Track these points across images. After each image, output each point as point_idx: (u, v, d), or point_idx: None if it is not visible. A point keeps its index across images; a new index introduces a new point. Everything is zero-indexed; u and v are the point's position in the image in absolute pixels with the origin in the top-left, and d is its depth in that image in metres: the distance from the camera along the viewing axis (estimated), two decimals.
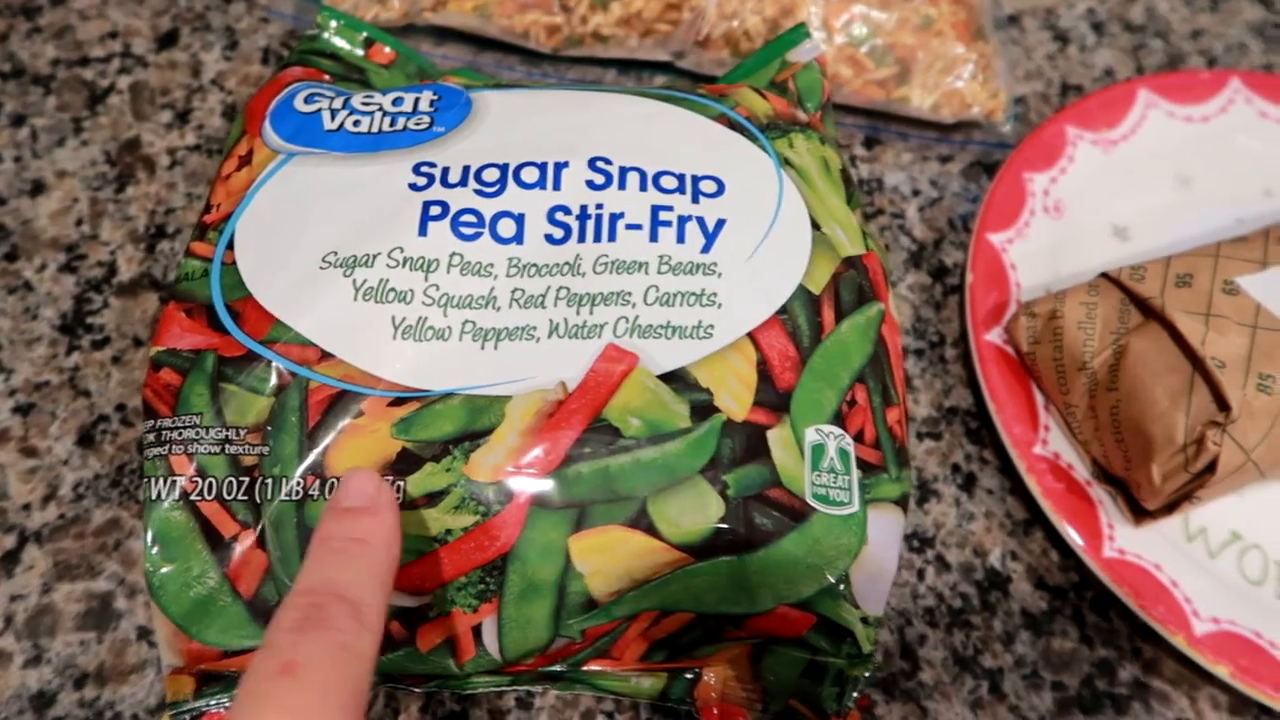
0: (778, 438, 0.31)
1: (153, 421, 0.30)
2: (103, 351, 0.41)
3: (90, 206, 0.45)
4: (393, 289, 0.31)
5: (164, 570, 0.29)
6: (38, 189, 0.45)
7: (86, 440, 0.39)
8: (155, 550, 0.29)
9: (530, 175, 0.34)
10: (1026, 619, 0.39)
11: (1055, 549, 0.41)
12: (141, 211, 0.45)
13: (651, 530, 0.30)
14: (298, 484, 0.30)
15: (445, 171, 0.33)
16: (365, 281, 0.31)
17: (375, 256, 0.32)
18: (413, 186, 0.33)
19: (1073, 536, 0.38)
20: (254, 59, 0.50)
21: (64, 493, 0.38)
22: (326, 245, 0.32)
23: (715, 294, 0.32)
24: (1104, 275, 0.40)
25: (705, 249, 0.33)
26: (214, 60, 0.49)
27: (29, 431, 0.39)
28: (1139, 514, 0.38)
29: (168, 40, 0.50)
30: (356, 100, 0.36)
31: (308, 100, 0.36)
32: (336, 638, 0.23)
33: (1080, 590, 0.40)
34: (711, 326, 0.32)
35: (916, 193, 0.49)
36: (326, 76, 0.39)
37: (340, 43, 0.41)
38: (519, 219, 0.33)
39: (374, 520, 0.26)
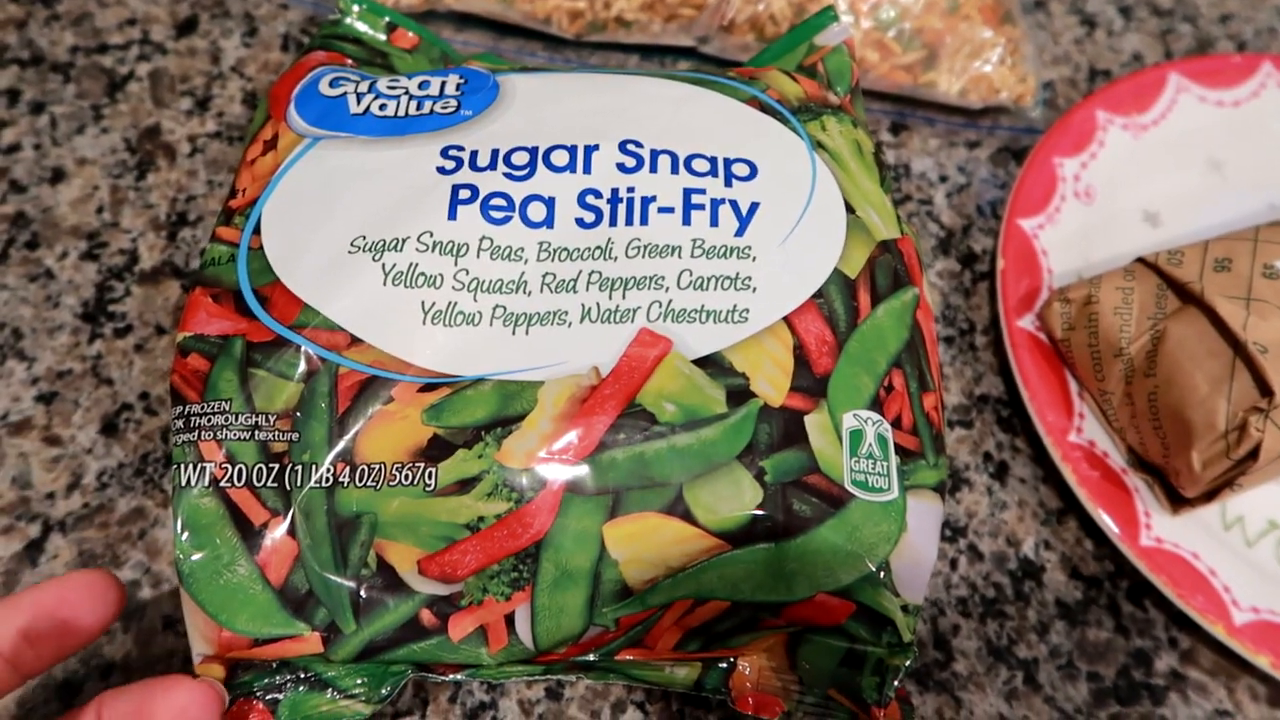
0: (815, 423, 0.30)
1: (181, 407, 0.30)
2: (125, 340, 0.41)
3: (111, 194, 0.44)
4: (422, 273, 0.31)
5: (194, 558, 0.29)
6: (58, 176, 0.44)
7: (110, 429, 0.39)
8: (185, 537, 0.29)
9: (560, 158, 0.33)
10: (1061, 609, 0.39)
11: (1089, 538, 0.40)
12: (162, 199, 0.44)
13: (688, 517, 0.29)
14: (328, 470, 0.29)
15: (474, 155, 0.33)
16: (395, 266, 0.31)
17: (404, 240, 0.31)
18: (441, 170, 0.33)
19: (1109, 525, 0.37)
20: (274, 46, 0.49)
21: (88, 481, 0.38)
22: (355, 229, 0.32)
23: (750, 278, 0.32)
24: (1140, 260, 0.39)
25: (739, 233, 0.32)
26: (233, 47, 0.49)
27: (52, 420, 0.39)
28: (1177, 502, 0.38)
29: (187, 27, 0.49)
30: (382, 84, 0.36)
31: (333, 84, 0.36)
32: None
33: (1115, 579, 0.39)
34: (746, 311, 0.31)
35: (944, 179, 0.48)
36: (349, 61, 0.39)
37: (363, 27, 0.41)
38: (549, 202, 0.33)
39: None
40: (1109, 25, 0.54)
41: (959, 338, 0.44)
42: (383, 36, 0.41)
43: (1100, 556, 0.40)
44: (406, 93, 0.36)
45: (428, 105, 0.35)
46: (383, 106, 0.35)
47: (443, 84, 0.36)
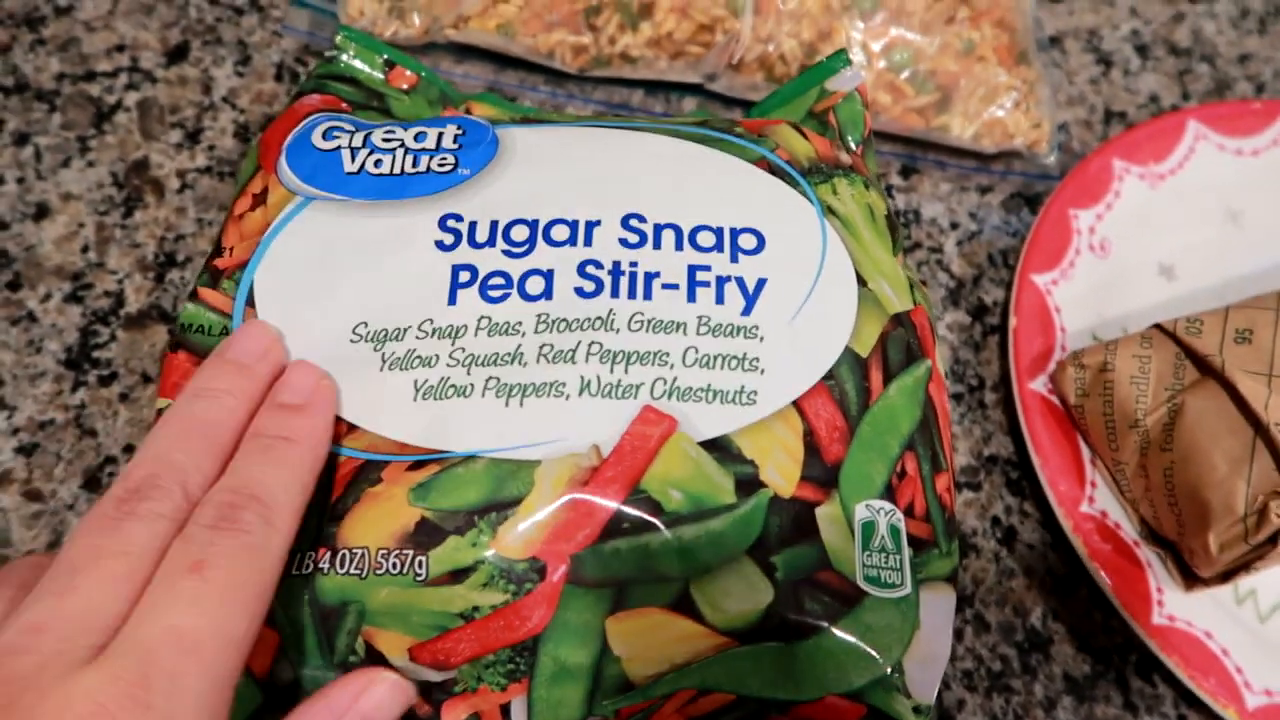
0: (827, 516, 0.29)
1: None
2: (110, 388, 0.40)
3: (97, 232, 0.43)
4: (419, 356, 0.30)
5: None
6: (42, 213, 0.43)
7: (93, 483, 0.38)
8: None
9: (560, 233, 0.32)
10: (1069, 683, 0.38)
11: (1098, 609, 0.39)
12: (150, 238, 0.43)
13: (695, 614, 0.28)
14: (308, 558, 0.28)
15: (473, 227, 0.32)
16: (394, 353, 0.30)
17: (405, 330, 0.30)
18: (440, 245, 0.31)
19: (1121, 604, 0.36)
20: (267, 75, 0.48)
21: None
22: (356, 315, 0.30)
23: (757, 359, 0.30)
24: (1158, 327, 0.38)
25: (745, 311, 0.31)
26: (225, 76, 0.47)
27: (33, 474, 0.38)
28: (1190, 579, 0.37)
29: (177, 54, 0.48)
30: (377, 136, 0.34)
31: (326, 136, 0.35)
32: (247, 539, 0.24)
33: (1124, 653, 0.39)
34: (755, 393, 0.30)
35: (955, 225, 0.47)
36: (345, 105, 0.38)
37: (360, 65, 0.40)
38: (548, 275, 0.31)
39: (306, 420, 0.28)
40: (1125, 64, 0.53)
41: (968, 394, 0.43)
42: (380, 75, 0.40)
43: (1109, 629, 0.39)
44: (402, 145, 0.34)
45: (424, 161, 0.34)
46: (378, 163, 0.33)
47: (440, 136, 0.35)
